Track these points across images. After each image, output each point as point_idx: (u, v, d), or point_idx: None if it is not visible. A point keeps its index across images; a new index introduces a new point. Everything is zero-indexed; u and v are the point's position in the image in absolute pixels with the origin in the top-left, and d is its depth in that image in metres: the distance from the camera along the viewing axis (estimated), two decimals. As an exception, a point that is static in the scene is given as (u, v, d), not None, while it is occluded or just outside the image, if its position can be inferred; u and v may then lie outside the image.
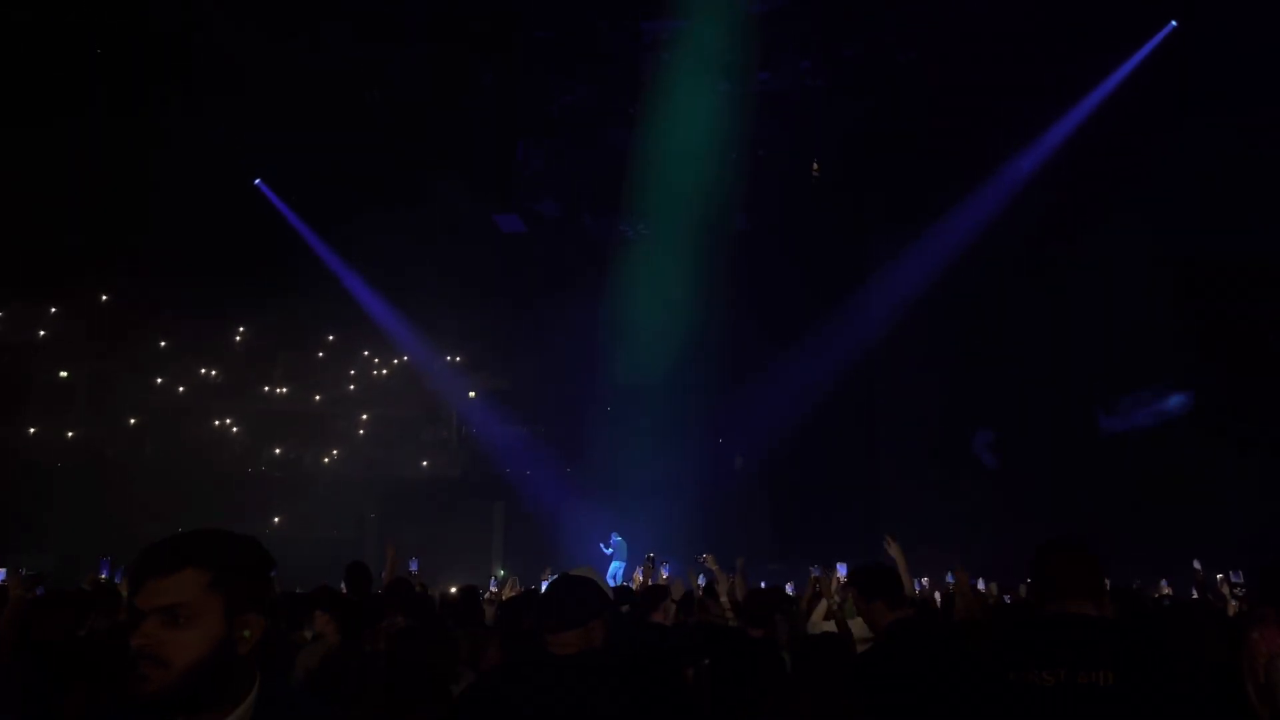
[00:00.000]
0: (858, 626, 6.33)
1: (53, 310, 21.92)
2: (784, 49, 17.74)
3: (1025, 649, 2.89)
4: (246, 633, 1.90)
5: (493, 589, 12.68)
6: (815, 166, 20.08)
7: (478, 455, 23.49)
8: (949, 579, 8.96)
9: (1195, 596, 9.62)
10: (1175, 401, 19.07)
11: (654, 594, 6.58)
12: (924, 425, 21.27)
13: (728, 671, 5.38)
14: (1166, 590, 10.29)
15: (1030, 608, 8.03)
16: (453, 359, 23.65)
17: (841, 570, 9.22)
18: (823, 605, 6.33)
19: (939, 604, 8.95)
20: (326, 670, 4.81)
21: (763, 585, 10.99)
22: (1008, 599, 9.36)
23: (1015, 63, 16.63)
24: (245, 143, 18.34)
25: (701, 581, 9.94)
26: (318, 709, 2.10)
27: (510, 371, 23.31)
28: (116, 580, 9.19)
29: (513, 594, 9.57)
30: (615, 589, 7.58)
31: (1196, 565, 9.88)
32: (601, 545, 18.25)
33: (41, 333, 21.86)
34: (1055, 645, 2.80)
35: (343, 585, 7.56)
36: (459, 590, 8.48)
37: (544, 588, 7.75)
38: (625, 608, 7.18)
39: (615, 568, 17.58)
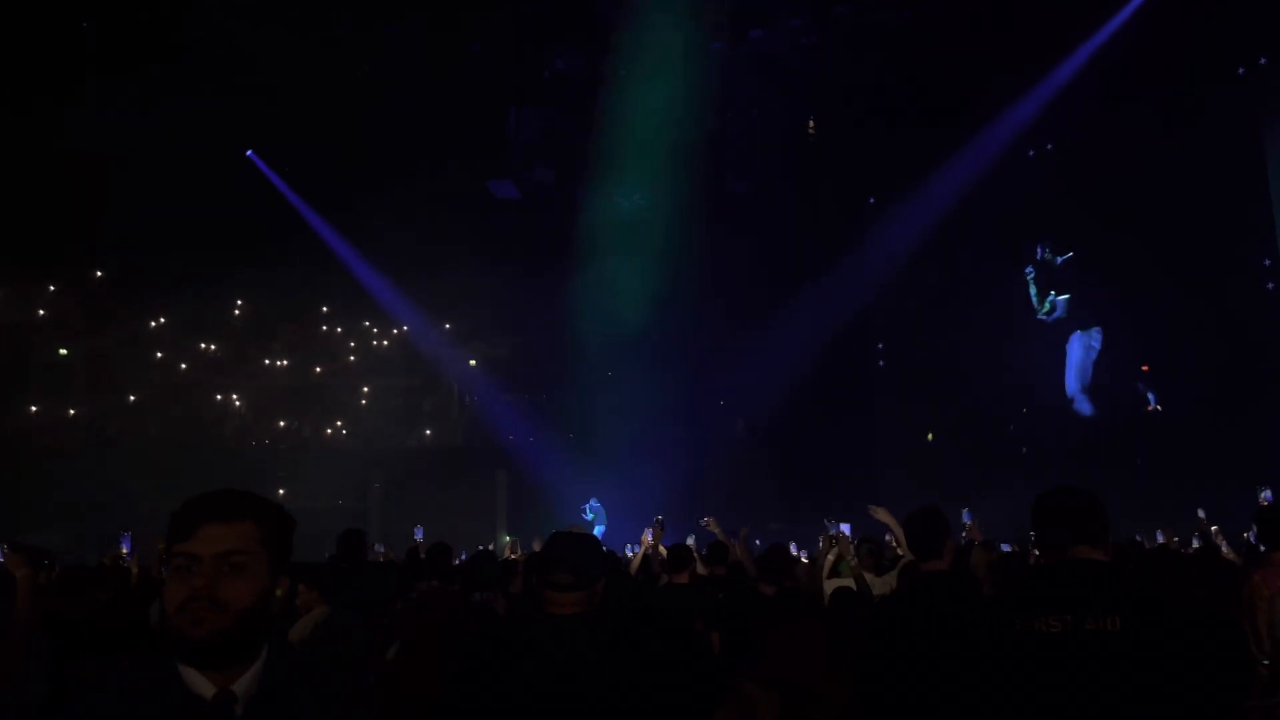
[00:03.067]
0: (874, 583, 6.39)
1: (50, 289, 21.85)
2: (775, 6, 17.54)
3: (1031, 597, 2.87)
4: (279, 591, 1.95)
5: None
6: (811, 125, 19.92)
7: (479, 424, 23.52)
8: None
9: (1198, 545, 9.64)
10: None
11: (679, 555, 6.65)
12: (925, 382, 21.25)
13: (740, 628, 5.41)
14: (1175, 539, 10.25)
15: (1035, 557, 8.05)
16: (451, 328, 23.61)
17: (845, 530, 9.24)
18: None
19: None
20: (317, 640, 4.55)
21: (757, 543, 11.03)
22: (1007, 547, 9.38)
23: (1009, 19, 16.42)
24: (238, 117, 18.22)
25: (692, 541, 10.01)
26: (321, 664, 2.15)
27: (509, 339, 23.27)
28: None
29: (514, 557, 9.62)
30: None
31: (1200, 514, 9.88)
32: (582, 510, 18.30)
33: (40, 312, 21.79)
34: (1061, 592, 2.78)
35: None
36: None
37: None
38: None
39: (597, 533, 17.54)
